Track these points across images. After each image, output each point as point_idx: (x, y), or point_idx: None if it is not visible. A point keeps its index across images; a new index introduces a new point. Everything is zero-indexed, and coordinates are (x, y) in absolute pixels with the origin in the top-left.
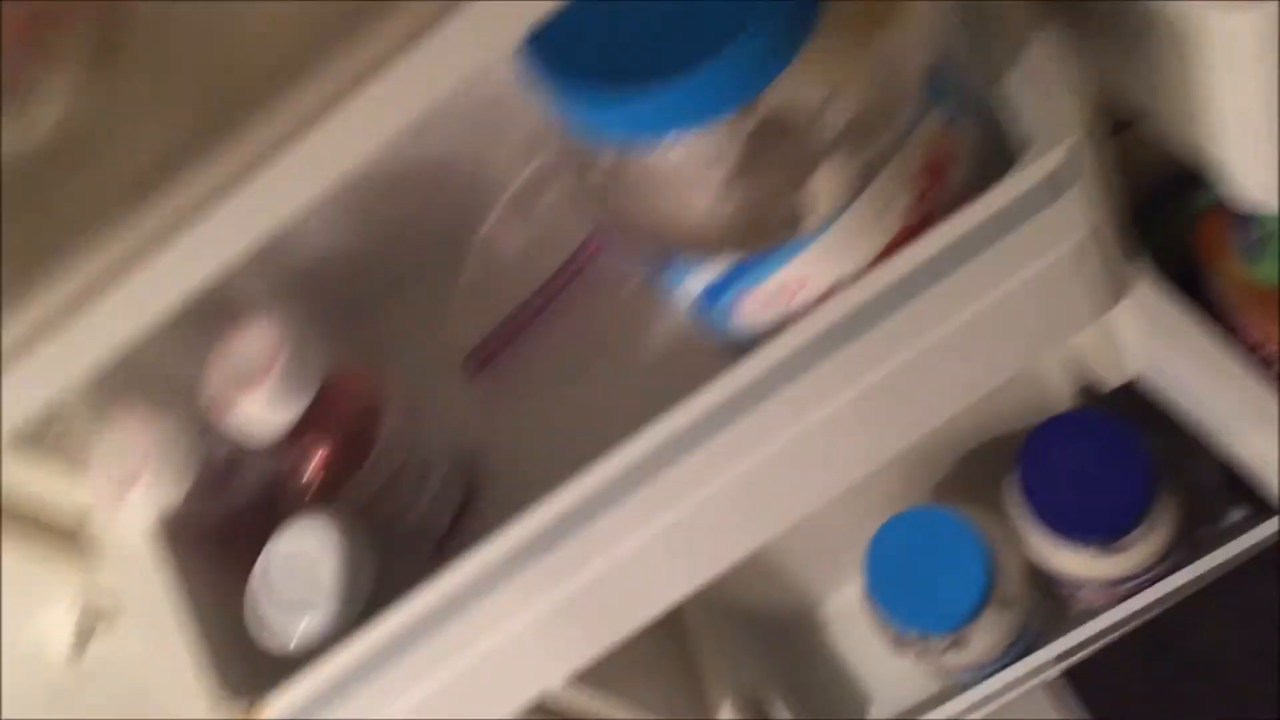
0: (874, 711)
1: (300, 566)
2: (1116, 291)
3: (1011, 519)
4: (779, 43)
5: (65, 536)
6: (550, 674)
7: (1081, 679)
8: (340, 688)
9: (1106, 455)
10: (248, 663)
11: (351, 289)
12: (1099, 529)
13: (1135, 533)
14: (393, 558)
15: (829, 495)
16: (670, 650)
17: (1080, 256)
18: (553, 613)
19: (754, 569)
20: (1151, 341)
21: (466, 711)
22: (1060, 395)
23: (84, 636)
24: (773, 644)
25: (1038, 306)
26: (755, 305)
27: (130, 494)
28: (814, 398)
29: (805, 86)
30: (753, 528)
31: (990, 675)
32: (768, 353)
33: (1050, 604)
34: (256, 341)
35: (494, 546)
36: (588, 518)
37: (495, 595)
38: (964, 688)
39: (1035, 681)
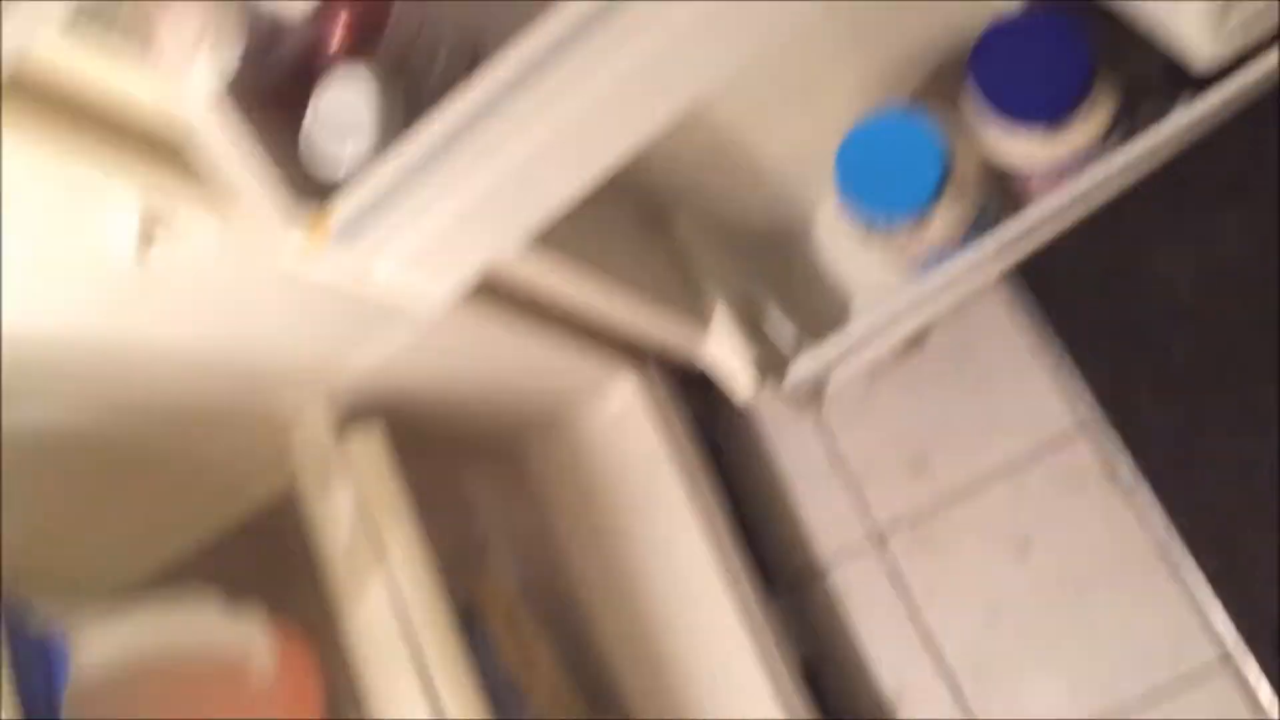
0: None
1: (342, 107)
2: None
3: (968, 116)
4: None
5: (127, 138)
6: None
7: (1037, 279)
8: (390, 195)
9: (1050, 47)
10: (310, 189)
11: None
12: (1044, 111)
13: (1077, 113)
14: (412, 120)
15: None
16: (662, 260)
17: None
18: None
19: (739, 179)
20: None
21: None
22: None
23: (147, 238)
24: (762, 257)
25: None
26: None
27: (195, 59)
28: None
29: None
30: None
31: (950, 260)
32: None
33: (1004, 198)
34: None
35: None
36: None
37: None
38: (928, 274)
39: (992, 270)
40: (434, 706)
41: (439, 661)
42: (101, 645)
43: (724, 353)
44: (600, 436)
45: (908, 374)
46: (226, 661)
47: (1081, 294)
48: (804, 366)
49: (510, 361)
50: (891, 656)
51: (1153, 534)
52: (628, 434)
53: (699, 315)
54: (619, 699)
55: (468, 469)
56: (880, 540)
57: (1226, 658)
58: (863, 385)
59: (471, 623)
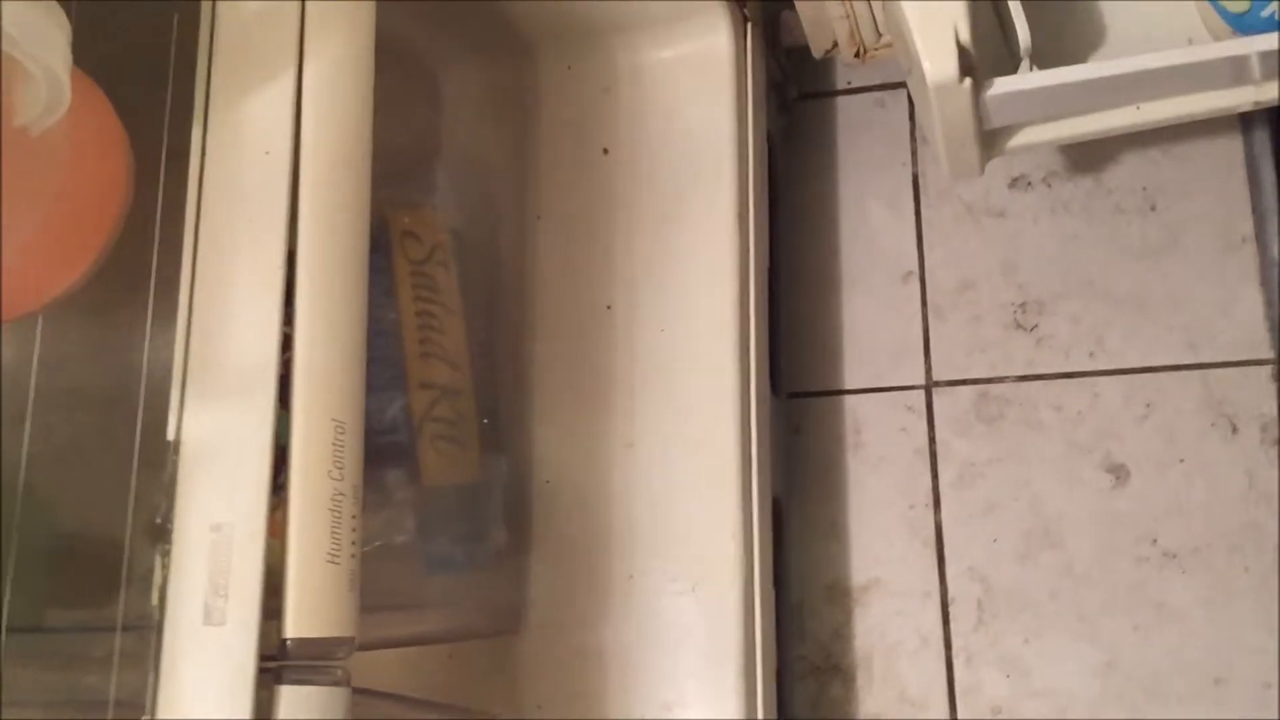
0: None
1: None
2: None
3: None
4: None
5: None
6: None
7: None
8: None
9: None
10: None
11: None
12: None
13: None
14: None
15: None
16: None
17: None
18: None
19: None
20: None
21: None
22: None
23: None
24: None
25: None
26: None
27: None
28: None
29: None
30: None
31: None
32: None
33: None
34: None
35: None
36: None
37: None
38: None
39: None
40: (284, 305)
41: (316, 250)
42: None
43: (929, 14)
44: (653, 72)
45: (1071, 196)
46: None
47: None
48: (1030, 81)
49: None
50: (880, 544)
51: None
52: (691, 84)
53: None
54: (530, 452)
55: (453, 69)
56: (930, 393)
57: None
58: (1005, 186)
59: (373, 249)
